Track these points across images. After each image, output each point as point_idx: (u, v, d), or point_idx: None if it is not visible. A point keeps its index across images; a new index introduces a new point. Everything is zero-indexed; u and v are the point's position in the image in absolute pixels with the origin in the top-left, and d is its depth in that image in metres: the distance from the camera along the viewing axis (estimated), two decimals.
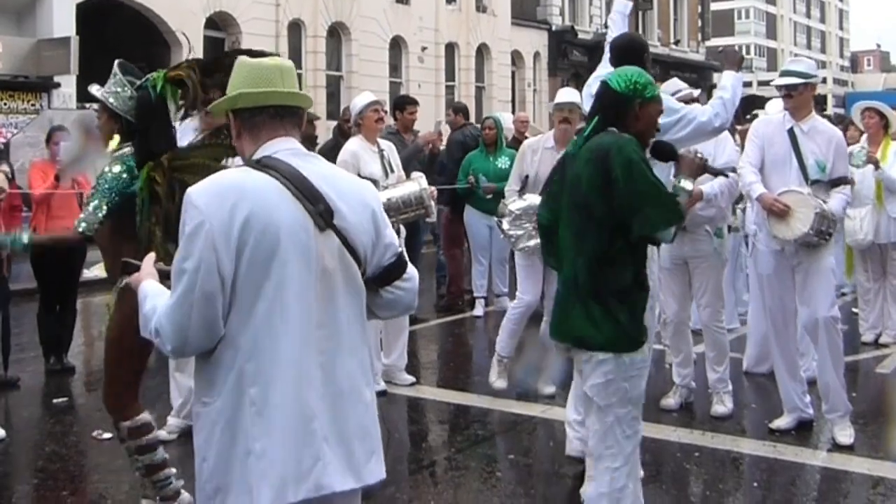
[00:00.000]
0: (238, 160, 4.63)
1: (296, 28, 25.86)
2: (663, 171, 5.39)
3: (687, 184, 4.12)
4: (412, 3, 29.52)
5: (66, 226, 8.12)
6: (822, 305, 5.99)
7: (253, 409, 2.64)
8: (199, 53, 21.06)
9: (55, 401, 7.36)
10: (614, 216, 3.86)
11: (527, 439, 6.43)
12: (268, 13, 24.85)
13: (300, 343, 2.68)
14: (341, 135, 9.31)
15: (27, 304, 9.54)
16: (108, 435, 5.89)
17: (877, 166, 8.56)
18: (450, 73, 31.37)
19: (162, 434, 5.43)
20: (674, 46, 42.78)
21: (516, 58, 34.68)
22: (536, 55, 35.61)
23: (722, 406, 6.61)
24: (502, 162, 10.20)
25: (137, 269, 3.02)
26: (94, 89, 4.77)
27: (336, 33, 27.25)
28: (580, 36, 36.01)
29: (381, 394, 6.81)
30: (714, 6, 53.00)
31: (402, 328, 7.54)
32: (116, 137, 4.79)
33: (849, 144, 7.85)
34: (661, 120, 5.05)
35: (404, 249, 3.04)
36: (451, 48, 31.36)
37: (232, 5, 23.93)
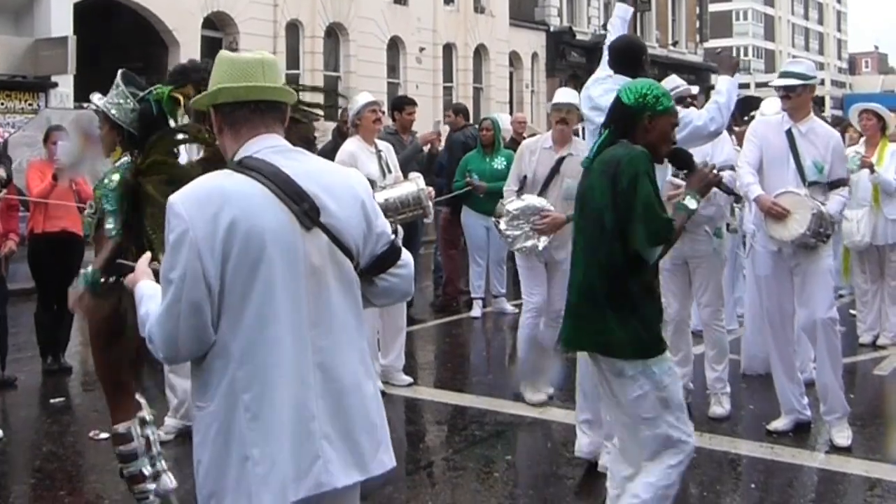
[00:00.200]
0: (193, 148, 4.61)
1: (293, 28, 25.85)
2: (660, 173, 5.39)
3: (691, 202, 4.09)
4: (410, 4, 29.51)
5: (64, 226, 8.16)
6: (820, 307, 5.99)
7: (248, 415, 2.63)
8: (196, 53, 21.09)
9: (52, 401, 7.35)
10: (620, 228, 3.89)
11: (524, 440, 6.43)
12: (265, 13, 24.84)
13: (294, 345, 2.67)
14: (340, 136, 9.31)
15: (24, 303, 9.53)
16: (105, 435, 5.89)
17: (871, 170, 8.56)
18: (448, 74, 31.36)
19: (160, 434, 5.42)
20: (672, 48, 42.80)
21: (514, 59, 34.68)
22: (534, 56, 35.62)
23: (720, 407, 6.60)
24: (498, 162, 10.19)
25: (130, 270, 3.02)
26: (96, 98, 4.74)
27: (334, 34, 27.25)
28: (578, 37, 36.02)
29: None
30: (712, 7, 53.06)
31: (399, 329, 7.53)
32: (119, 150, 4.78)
33: (848, 146, 7.86)
34: None
35: (398, 237, 3.01)
36: (448, 49, 31.36)
37: (230, 5, 23.91)
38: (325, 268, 2.74)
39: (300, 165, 2.78)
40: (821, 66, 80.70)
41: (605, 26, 6.56)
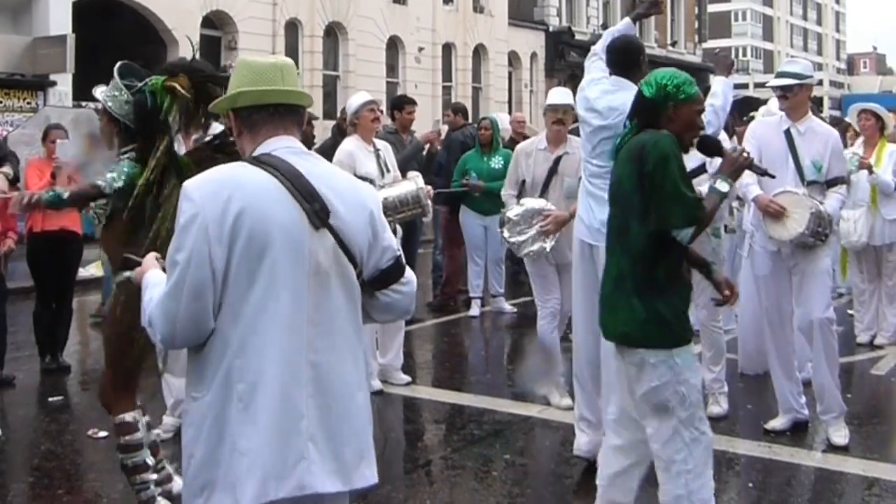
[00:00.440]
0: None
1: (293, 28, 25.83)
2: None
3: (723, 185, 4.09)
4: (409, 4, 29.50)
5: (63, 225, 8.16)
6: (817, 307, 6.00)
7: (240, 405, 2.64)
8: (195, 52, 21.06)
9: (51, 399, 7.36)
10: (648, 212, 3.89)
11: (523, 439, 6.43)
12: (265, 12, 24.82)
13: (291, 340, 2.68)
14: (340, 134, 9.30)
15: (23, 302, 9.52)
16: (103, 434, 5.89)
17: (870, 171, 8.56)
18: (447, 74, 31.34)
19: (157, 433, 5.42)
20: (671, 48, 42.81)
21: (513, 58, 34.68)
22: (533, 56, 35.62)
23: (717, 406, 6.61)
24: (496, 162, 10.21)
25: (137, 265, 3.03)
26: (98, 91, 4.78)
27: (333, 33, 27.23)
28: (577, 37, 35.99)
29: (377, 393, 6.82)
30: (711, 8, 53.08)
31: (398, 328, 7.53)
32: None
33: (846, 146, 7.87)
34: None
35: (401, 251, 3.02)
36: (448, 48, 31.34)
37: (229, 4, 23.90)
38: (330, 269, 2.76)
39: (313, 167, 2.82)
40: (819, 67, 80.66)
41: (604, 26, 6.52)
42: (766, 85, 6.82)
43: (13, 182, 7.87)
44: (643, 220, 3.91)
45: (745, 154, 4.21)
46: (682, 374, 3.93)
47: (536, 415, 6.73)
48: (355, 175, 4.98)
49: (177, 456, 5.28)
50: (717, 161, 6.50)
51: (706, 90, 5.23)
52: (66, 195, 4.66)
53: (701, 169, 6.26)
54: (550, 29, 35.83)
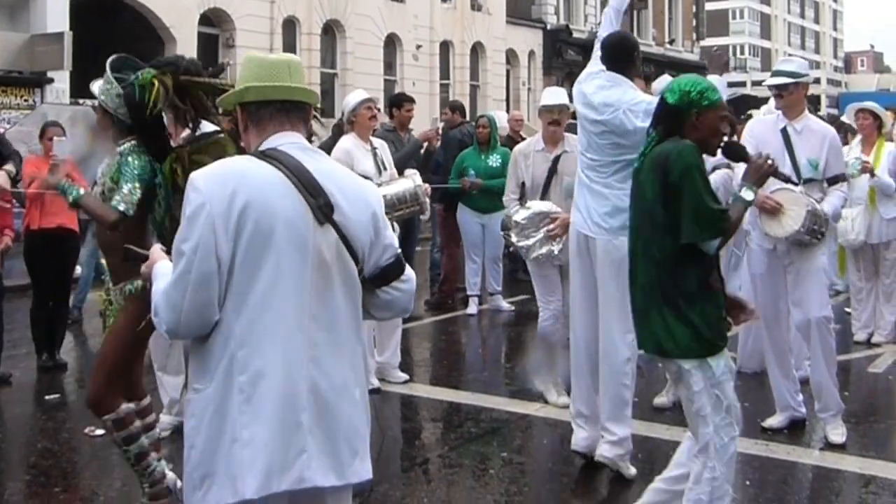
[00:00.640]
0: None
1: (290, 25, 25.82)
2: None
3: (748, 193, 4.08)
4: (407, 1, 29.50)
5: (60, 222, 8.15)
6: (814, 305, 6.00)
7: (241, 397, 2.66)
8: (192, 49, 21.08)
9: (47, 397, 7.35)
10: (673, 222, 3.89)
11: (520, 437, 6.43)
12: (262, 10, 24.81)
13: (293, 333, 2.70)
14: (341, 132, 9.29)
15: (20, 299, 9.51)
16: (100, 431, 5.88)
17: (872, 174, 8.55)
18: (444, 72, 31.35)
19: (154, 432, 5.42)
20: (668, 46, 42.82)
21: (511, 56, 34.69)
22: (531, 54, 35.63)
23: None
24: (494, 160, 10.21)
25: (140, 257, 3.04)
26: (94, 86, 4.80)
27: (331, 31, 27.23)
28: (575, 35, 36.02)
29: (375, 391, 6.81)
30: (709, 6, 53.04)
31: (395, 326, 7.53)
32: None
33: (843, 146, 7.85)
34: (648, 123, 5.08)
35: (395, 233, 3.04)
36: (445, 46, 31.34)
37: (227, 2, 23.89)
38: (333, 264, 2.78)
39: (318, 164, 2.84)
40: (817, 65, 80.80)
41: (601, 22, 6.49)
42: (763, 84, 6.82)
43: (15, 181, 7.86)
44: (668, 231, 3.92)
45: (769, 161, 4.21)
46: (716, 378, 3.96)
47: (534, 413, 6.73)
48: None
49: (173, 455, 5.29)
50: (717, 172, 6.56)
51: None
52: (82, 193, 4.69)
53: None
54: (548, 27, 35.86)
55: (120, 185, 4.57)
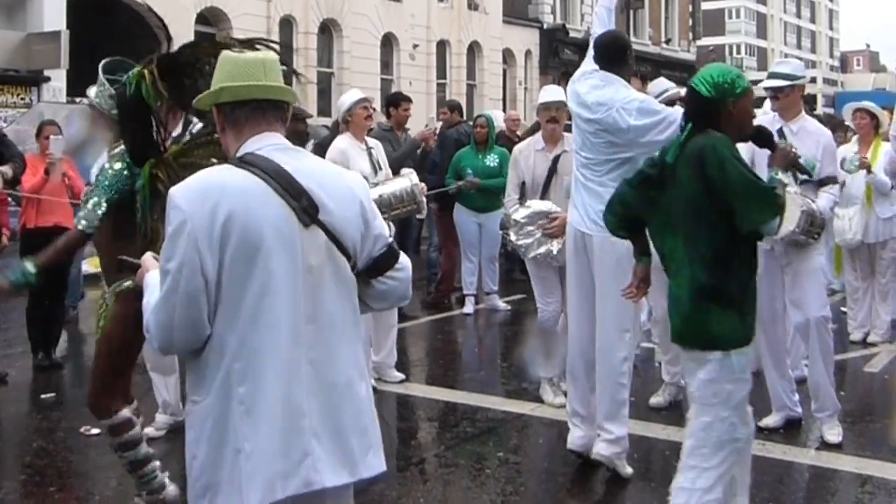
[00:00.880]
0: None
1: (287, 24, 25.80)
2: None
3: (783, 176, 4.11)
4: (404, 1, 29.48)
5: (57, 221, 8.13)
6: (813, 305, 6.00)
7: (241, 408, 2.64)
8: None
9: (43, 396, 7.34)
10: (720, 215, 3.89)
11: (516, 437, 6.43)
12: (259, 9, 24.79)
13: (288, 340, 2.68)
14: (339, 131, 9.29)
15: (16, 299, 9.48)
16: (95, 431, 5.87)
17: (869, 171, 8.56)
18: (441, 71, 31.34)
19: (150, 431, 5.41)
20: (665, 45, 42.81)
21: (508, 56, 34.68)
22: (528, 53, 35.62)
23: None
24: (491, 160, 10.20)
25: (134, 266, 3.02)
26: (91, 91, 4.79)
27: (327, 30, 27.21)
28: (571, 34, 36.03)
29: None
30: (705, 6, 53.07)
31: (390, 326, 7.52)
32: None
33: (839, 146, 7.87)
34: (641, 121, 5.09)
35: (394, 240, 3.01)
36: (442, 46, 31.34)
37: (223, 1, 23.87)
38: (323, 266, 2.75)
39: (299, 163, 2.79)
40: (813, 65, 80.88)
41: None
42: (758, 85, 6.82)
43: (13, 184, 7.84)
44: (717, 224, 3.92)
45: (793, 150, 4.23)
46: (735, 373, 3.95)
47: (530, 412, 6.73)
48: None
49: (167, 453, 5.29)
50: None
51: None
52: (33, 270, 4.39)
53: None
54: (545, 26, 35.86)
55: (90, 195, 4.54)
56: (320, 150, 7.70)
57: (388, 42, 29.25)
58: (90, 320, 9.87)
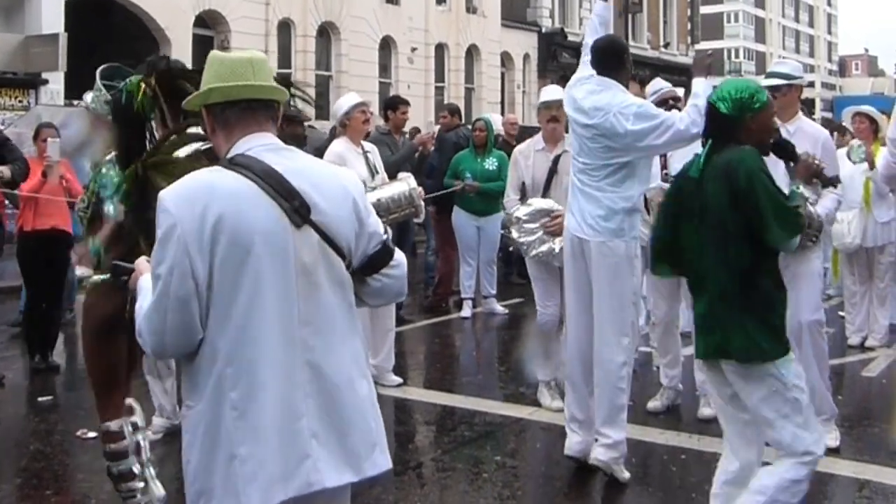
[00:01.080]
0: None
1: (285, 27, 25.81)
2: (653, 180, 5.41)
3: (805, 190, 4.13)
4: (402, 4, 29.49)
5: (54, 224, 8.12)
6: (805, 309, 5.98)
7: (234, 414, 2.63)
8: (187, 51, 21.06)
9: (40, 399, 7.32)
10: (748, 227, 3.91)
11: (514, 441, 6.42)
12: (257, 12, 24.79)
13: (282, 343, 2.66)
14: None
15: (13, 301, 9.50)
16: (92, 434, 5.86)
17: (871, 166, 8.54)
18: (439, 74, 31.36)
19: (149, 434, 5.40)
20: (663, 49, 42.85)
21: (506, 59, 34.69)
22: (526, 57, 35.63)
23: (709, 408, 6.57)
24: (490, 163, 10.20)
25: (128, 271, 3.01)
26: (88, 96, 4.78)
27: (326, 33, 27.22)
28: (570, 38, 35.99)
29: None
30: (703, 10, 53.11)
31: (388, 330, 7.50)
32: None
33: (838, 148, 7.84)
34: (639, 126, 5.08)
35: (390, 236, 2.99)
36: (440, 49, 31.35)
37: (221, 4, 23.87)
38: (317, 266, 2.73)
39: (291, 163, 2.77)
40: (811, 69, 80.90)
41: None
42: None
43: (12, 185, 7.83)
44: (744, 238, 3.93)
45: (816, 161, 4.25)
46: (792, 380, 3.97)
47: (528, 416, 6.72)
48: None
49: (164, 457, 5.28)
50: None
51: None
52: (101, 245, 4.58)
53: None
54: (543, 30, 35.86)
55: (105, 200, 4.53)
56: (317, 154, 7.69)
57: (387, 45, 29.26)
58: None
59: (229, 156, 2.77)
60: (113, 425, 4.66)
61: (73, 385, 7.84)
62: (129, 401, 4.91)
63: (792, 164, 4.43)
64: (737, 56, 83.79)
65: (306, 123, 9.74)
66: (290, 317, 2.68)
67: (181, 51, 20.46)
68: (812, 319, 5.96)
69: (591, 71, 5.45)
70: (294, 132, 7.16)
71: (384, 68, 29.20)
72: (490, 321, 10.64)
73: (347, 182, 2.89)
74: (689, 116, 5.14)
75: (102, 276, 4.34)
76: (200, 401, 2.67)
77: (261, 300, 2.64)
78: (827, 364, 6.14)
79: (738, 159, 3.93)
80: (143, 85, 4.35)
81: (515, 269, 12.58)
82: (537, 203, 6.60)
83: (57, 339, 8.45)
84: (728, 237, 3.96)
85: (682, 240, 4.21)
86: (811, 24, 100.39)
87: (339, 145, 7.30)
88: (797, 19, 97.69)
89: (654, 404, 6.76)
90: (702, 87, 5.26)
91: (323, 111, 21.88)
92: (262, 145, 2.78)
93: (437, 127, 12.62)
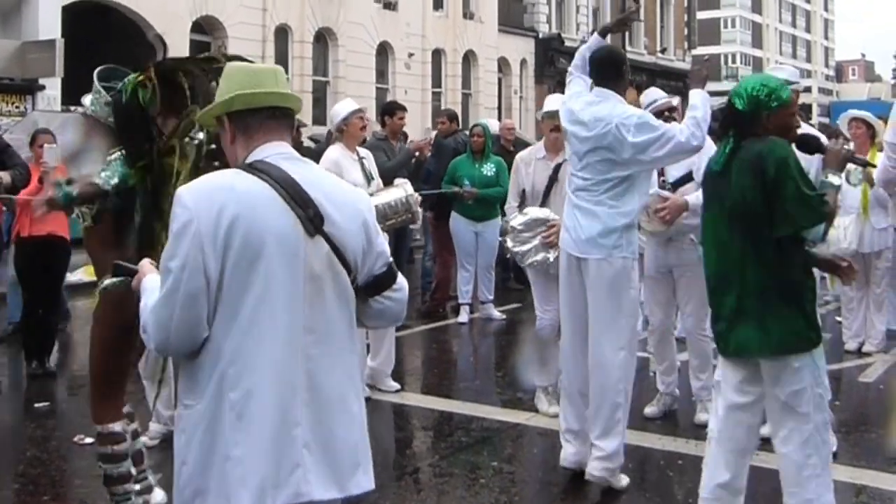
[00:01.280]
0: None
1: (282, 33, 25.85)
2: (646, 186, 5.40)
3: (835, 178, 4.13)
4: (399, 10, 29.54)
5: (51, 230, 8.12)
6: None
7: (232, 414, 2.63)
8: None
9: (37, 405, 7.31)
10: (780, 216, 3.92)
11: (511, 446, 6.42)
12: (254, 18, 24.82)
13: (285, 348, 2.67)
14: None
15: (1, 308, 9.49)
16: (89, 440, 5.86)
17: (871, 184, 8.54)
18: (436, 80, 31.41)
19: (143, 440, 5.40)
20: (660, 55, 42.93)
21: (503, 65, 34.75)
22: (523, 62, 35.69)
23: (705, 414, 6.58)
24: (488, 169, 10.20)
25: (131, 271, 3.01)
26: (86, 99, 4.78)
27: (323, 39, 27.26)
28: (567, 43, 36.07)
29: (366, 400, 6.78)
30: (700, 15, 53.24)
31: (387, 330, 7.46)
32: None
33: None
34: (641, 138, 5.06)
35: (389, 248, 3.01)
36: (437, 54, 31.40)
37: (218, 9, 23.89)
38: (325, 276, 2.74)
39: (307, 174, 2.80)
40: (808, 74, 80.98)
41: (593, 33, 6.50)
42: None
43: (13, 192, 7.81)
44: (775, 227, 3.94)
45: (845, 146, 4.26)
46: (821, 376, 4.00)
47: (525, 422, 6.72)
48: None
49: (161, 464, 5.27)
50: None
51: None
52: (75, 193, 4.60)
53: (688, 177, 6.26)
54: (540, 35, 35.93)
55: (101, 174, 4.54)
56: (314, 159, 7.69)
57: (384, 51, 29.31)
58: (83, 329, 9.87)
59: (248, 161, 2.79)
60: (116, 427, 4.67)
61: (70, 391, 7.84)
62: (128, 407, 4.92)
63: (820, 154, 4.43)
64: (733, 61, 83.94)
65: (307, 136, 9.76)
66: (296, 323, 2.69)
67: (178, 56, 20.46)
68: None
69: (580, 88, 5.44)
70: (293, 138, 7.15)
71: (381, 74, 29.25)
72: (487, 327, 10.64)
73: (359, 200, 2.92)
74: (689, 129, 5.11)
75: (113, 281, 4.35)
76: (201, 400, 2.67)
77: (268, 303, 2.65)
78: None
79: (768, 150, 3.92)
80: (143, 80, 4.37)
81: (513, 274, 12.58)
82: (533, 212, 6.60)
83: (54, 345, 8.44)
84: (761, 230, 3.96)
85: (704, 234, 4.25)
86: (808, 30, 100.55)
87: (335, 152, 7.29)
88: (794, 24, 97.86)
89: (650, 410, 6.76)
90: (699, 98, 5.24)
91: (320, 117, 21.87)
92: (280, 154, 2.80)
93: (435, 133, 12.61)
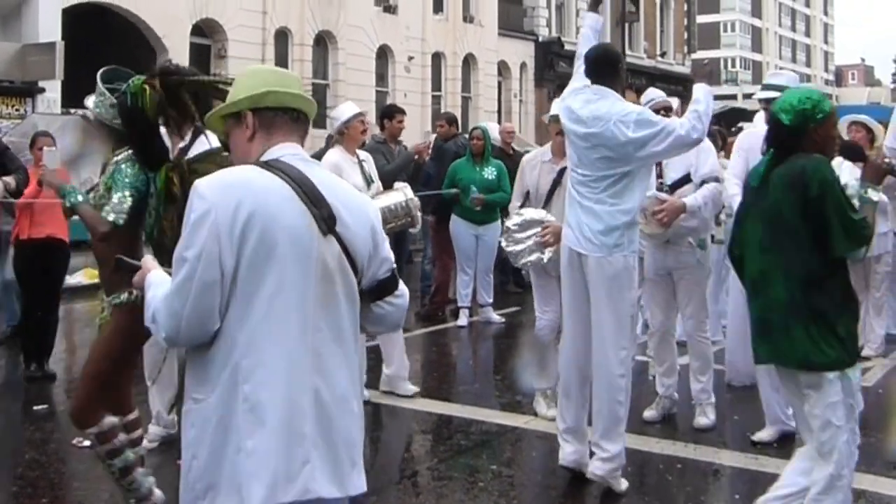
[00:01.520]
0: None
1: (282, 36, 25.85)
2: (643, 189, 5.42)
3: (873, 193, 4.14)
4: (399, 13, 29.56)
5: (50, 233, 8.12)
6: None
7: (245, 406, 2.64)
8: (184, 60, 21.05)
9: (35, 407, 7.30)
10: (815, 235, 3.94)
11: (510, 450, 6.42)
12: (254, 21, 24.83)
13: (297, 344, 2.69)
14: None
15: None
16: (88, 443, 5.83)
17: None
18: (436, 83, 31.41)
19: (144, 443, 5.39)
20: (660, 58, 42.96)
21: (503, 68, 34.76)
22: (523, 66, 35.71)
23: (704, 418, 6.61)
24: (489, 172, 10.21)
25: (133, 267, 3.02)
26: (89, 101, 4.79)
27: (323, 42, 27.27)
28: (567, 47, 36.06)
29: (364, 403, 6.78)
30: (700, 19, 53.30)
31: (397, 336, 7.44)
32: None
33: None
34: (640, 133, 5.08)
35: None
36: (437, 58, 31.41)
37: (219, 12, 23.91)
38: (336, 275, 2.78)
39: (322, 176, 2.85)
40: (808, 78, 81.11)
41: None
42: (752, 98, 6.88)
43: (15, 196, 7.81)
44: (814, 247, 3.95)
45: (886, 160, 4.28)
46: (853, 389, 4.04)
47: (524, 425, 6.72)
48: None
49: (160, 465, 5.27)
50: (705, 186, 6.54)
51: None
52: (80, 200, 4.69)
53: (685, 179, 6.27)
54: (540, 39, 35.96)
55: (111, 193, 4.55)
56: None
57: (384, 54, 29.32)
58: (82, 332, 9.87)
59: (263, 159, 2.82)
60: (105, 424, 4.67)
61: (69, 393, 7.81)
62: (135, 414, 4.93)
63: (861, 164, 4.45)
64: (733, 65, 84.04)
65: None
66: (306, 319, 2.70)
67: (178, 59, 20.12)
68: None
69: (585, 81, 5.45)
70: None
71: (381, 77, 29.26)
72: (486, 330, 10.64)
73: (368, 206, 2.97)
74: (690, 122, 5.15)
75: (128, 296, 4.40)
76: (213, 392, 2.67)
77: (282, 298, 2.67)
78: None
79: (813, 168, 3.94)
80: (147, 88, 4.38)
81: (512, 277, 12.58)
82: (528, 213, 6.61)
83: (53, 348, 8.43)
84: (798, 246, 3.98)
85: (740, 247, 4.28)
86: (808, 34, 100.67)
87: (335, 155, 7.29)
88: (794, 29, 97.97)
89: (650, 413, 6.76)
90: (702, 93, 5.29)
91: (319, 120, 21.86)
92: (294, 154, 2.85)
93: (434, 136, 12.62)
